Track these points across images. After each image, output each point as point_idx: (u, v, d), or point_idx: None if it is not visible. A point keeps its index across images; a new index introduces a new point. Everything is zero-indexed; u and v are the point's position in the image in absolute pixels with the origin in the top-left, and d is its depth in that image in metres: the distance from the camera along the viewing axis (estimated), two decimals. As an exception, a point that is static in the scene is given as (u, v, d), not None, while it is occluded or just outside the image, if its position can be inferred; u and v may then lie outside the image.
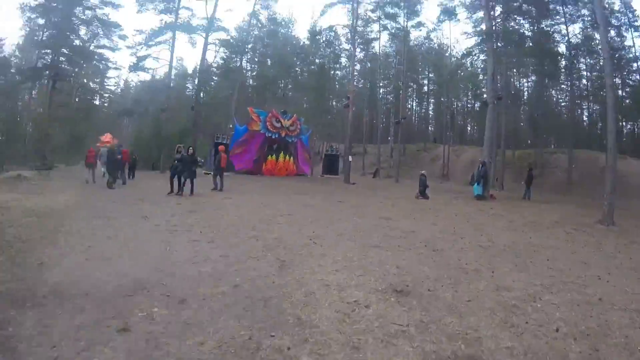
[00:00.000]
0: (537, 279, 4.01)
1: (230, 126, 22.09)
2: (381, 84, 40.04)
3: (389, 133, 36.58)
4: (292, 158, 21.67)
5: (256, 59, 35.79)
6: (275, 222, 6.69)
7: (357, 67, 32.66)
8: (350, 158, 16.40)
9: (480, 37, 14.37)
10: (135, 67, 22.23)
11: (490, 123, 12.67)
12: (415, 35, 30.82)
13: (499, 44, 15.79)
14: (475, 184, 12.13)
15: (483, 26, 14.20)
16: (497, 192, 16.38)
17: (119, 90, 46.38)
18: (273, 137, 20.57)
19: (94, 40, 25.75)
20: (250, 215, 7.26)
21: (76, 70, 26.49)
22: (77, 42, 24.07)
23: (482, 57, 18.47)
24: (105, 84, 41.51)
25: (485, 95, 12.61)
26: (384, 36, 31.04)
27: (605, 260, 5.21)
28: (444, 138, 40.32)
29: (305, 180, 17.75)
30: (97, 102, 36.21)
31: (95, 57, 26.26)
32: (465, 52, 19.83)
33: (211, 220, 6.47)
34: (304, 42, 34.43)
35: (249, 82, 35.96)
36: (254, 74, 36.24)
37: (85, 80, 33.17)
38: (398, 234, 6.17)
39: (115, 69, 36.53)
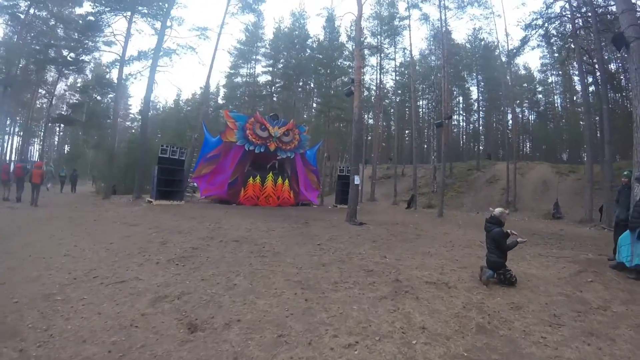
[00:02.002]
0: None
1: (196, 136, 16.34)
2: (420, 90, 33.20)
3: (432, 150, 29.28)
4: (287, 181, 15.42)
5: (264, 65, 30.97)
6: None
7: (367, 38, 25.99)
8: (356, 180, 9.29)
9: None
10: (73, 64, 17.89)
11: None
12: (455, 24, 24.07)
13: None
14: (629, 237, 4.75)
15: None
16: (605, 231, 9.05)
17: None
18: (256, 151, 14.57)
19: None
20: None
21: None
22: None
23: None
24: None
25: (624, 32, 5.41)
26: (415, 23, 24.77)
27: None
28: (500, 154, 32.13)
29: (289, 216, 11.14)
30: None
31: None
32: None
33: None
34: (318, 39, 29.08)
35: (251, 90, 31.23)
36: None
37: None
38: None
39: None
